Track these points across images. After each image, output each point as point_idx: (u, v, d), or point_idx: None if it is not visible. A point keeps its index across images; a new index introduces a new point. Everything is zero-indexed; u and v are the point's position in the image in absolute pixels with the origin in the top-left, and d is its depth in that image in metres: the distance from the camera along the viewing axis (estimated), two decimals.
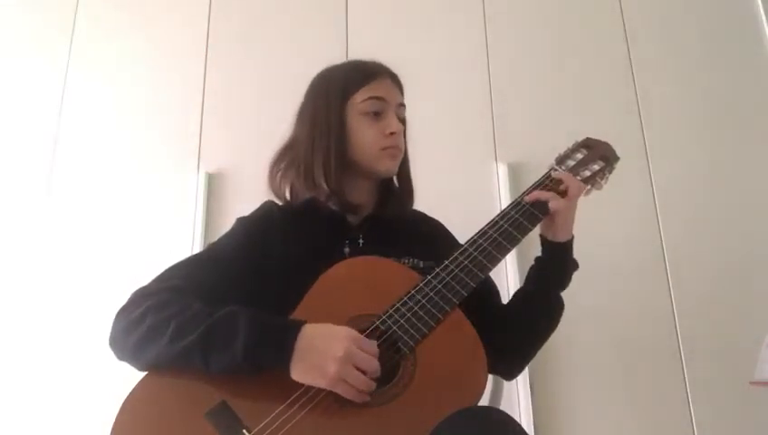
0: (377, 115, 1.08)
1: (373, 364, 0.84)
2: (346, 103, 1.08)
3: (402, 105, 1.14)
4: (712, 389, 1.69)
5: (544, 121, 1.94)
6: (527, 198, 1.04)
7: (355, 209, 1.11)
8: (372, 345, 0.86)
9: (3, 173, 1.89)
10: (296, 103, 1.17)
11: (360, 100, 1.08)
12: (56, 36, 2.03)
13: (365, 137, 1.07)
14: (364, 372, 0.83)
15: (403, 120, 1.14)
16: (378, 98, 1.08)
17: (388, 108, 1.09)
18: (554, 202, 1.02)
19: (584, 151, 1.12)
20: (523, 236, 1.01)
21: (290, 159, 1.13)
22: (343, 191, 1.08)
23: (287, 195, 1.14)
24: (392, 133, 1.08)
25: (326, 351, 0.82)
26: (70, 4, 2.07)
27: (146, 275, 0.99)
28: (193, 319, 0.87)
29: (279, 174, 1.14)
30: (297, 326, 0.85)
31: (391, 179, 1.16)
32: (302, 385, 0.84)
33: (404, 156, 1.15)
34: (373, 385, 0.84)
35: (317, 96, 1.12)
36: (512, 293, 1.15)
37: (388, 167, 1.10)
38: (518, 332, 1.08)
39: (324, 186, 1.06)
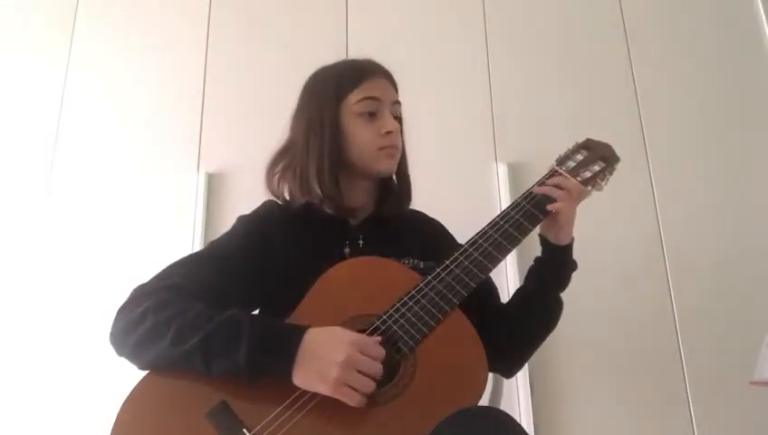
0: (372, 115, 1.07)
1: (375, 368, 0.84)
2: (340, 105, 1.07)
3: (397, 102, 1.12)
4: (712, 389, 1.69)
5: (544, 121, 1.94)
6: (537, 190, 1.04)
7: (351, 213, 1.11)
8: (376, 348, 0.85)
9: (3, 173, 1.89)
10: (295, 104, 1.16)
11: (354, 101, 1.07)
12: (56, 36, 2.03)
13: (361, 138, 1.07)
14: (366, 376, 0.83)
15: (399, 118, 1.13)
16: (372, 98, 1.07)
17: (383, 107, 1.08)
18: (555, 204, 1.02)
19: (584, 153, 1.12)
20: (523, 237, 1.01)
21: (286, 162, 1.12)
22: (338, 196, 1.07)
23: (286, 196, 1.14)
24: (388, 133, 1.07)
25: (327, 356, 0.82)
26: (70, 4, 2.07)
27: (146, 274, 0.99)
28: (194, 321, 0.86)
29: (276, 176, 1.13)
30: (299, 332, 0.85)
31: (390, 178, 1.16)
32: None
33: (402, 154, 1.14)
34: (373, 387, 0.84)
35: (310, 98, 1.11)
36: (512, 293, 1.15)
37: (387, 166, 1.09)
38: (517, 331, 1.08)
39: (318, 191, 1.06)
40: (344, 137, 1.07)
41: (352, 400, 0.82)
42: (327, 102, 1.08)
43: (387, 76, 1.13)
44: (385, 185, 1.17)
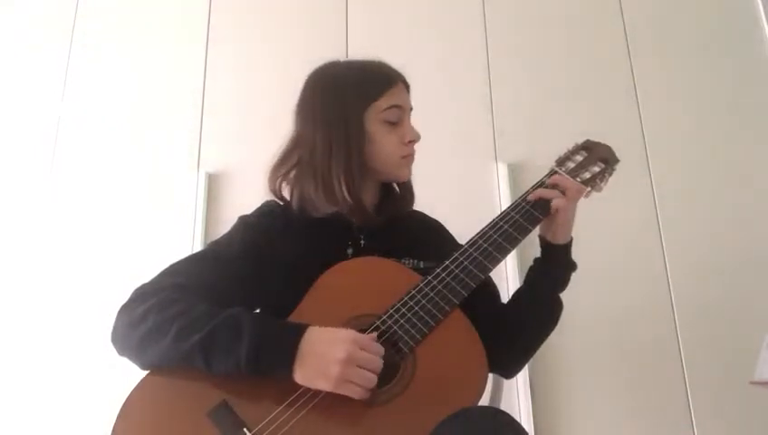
0: (393, 123, 1.07)
1: (376, 363, 0.84)
2: (366, 109, 1.05)
3: (412, 109, 1.12)
4: (712, 389, 1.69)
5: (544, 121, 1.94)
6: (530, 197, 1.04)
7: (370, 218, 1.08)
8: (376, 345, 0.86)
9: (4, 174, 1.89)
10: (301, 101, 1.13)
11: (383, 107, 1.05)
12: (56, 36, 2.03)
13: (386, 145, 1.06)
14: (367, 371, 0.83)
15: None
16: (398, 106, 1.07)
17: (405, 115, 1.09)
18: (556, 200, 1.02)
19: (584, 153, 1.12)
20: (523, 238, 1.01)
21: (296, 163, 1.09)
22: (363, 201, 1.06)
23: (286, 196, 1.13)
24: (411, 141, 1.08)
25: (327, 354, 0.83)
26: (70, 4, 2.07)
27: (146, 274, 0.99)
28: (196, 320, 0.87)
29: (279, 179, 1.11)
30: (299, 331, 0.85)
31: (407, 180, 1.16)
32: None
33: None
34: (375, 382, 0.84)
35: (328, 98, 1.08)
36: (512, 293, 1.15)
37: (406, 173, 1.11)
38: (517, 332, 1.08)
39: (348, 198, 1.03)
40: (370, 142, 1.05)
41: (356, 394, 0.82)
42: (352, 105, 1.05)
43: (405, 83, 1.12)
44: (387, 187, 1.17)
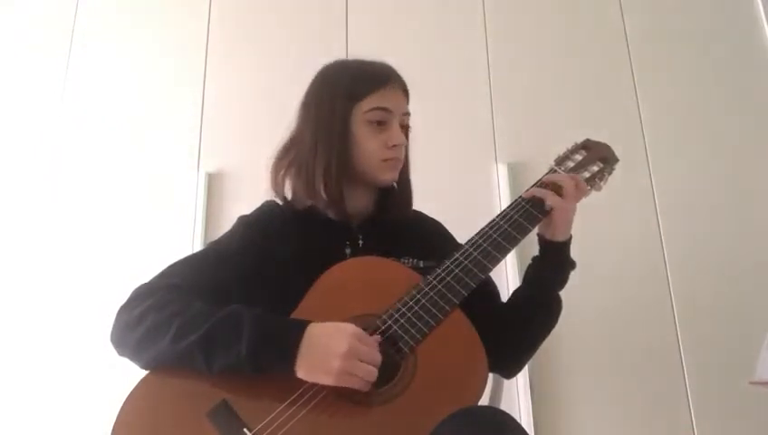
0: (380, 124, 1.06)
1: (375, 356, 0.85)
2: (352, 109, 1.06)
3: (407, 114, 1.11)
4: (712, 389, 1.69)
5: (544, 121, 1.94)
6: (524, 195, 1.05)
7: (351, 218, 1.09)
8: (372, 339, 0.87)
9: (4, 173, 1.89)
10: (296, 103, 1.14)
11: (366, 108, 1.05)
12: (56, 36, 2.03)
13: (367, 147, 1.06)
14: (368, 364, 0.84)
15: (407, 127, 1.12)
16: (384, 109, 1.06)
17: (393, 118, 1.07)
18: (552, 199, 1.02)
19: (583, 153, 1.12)
20: (522, 237, 1.01)
21: (292, 159, 1.10)
22: (342, 200, 1.06)
23: (287, 194, 1.14)
24: (394, 145, 1.07)
25: (329, 347, 0.83)
26: (70, 3, 2.07)
27: (146, 274, 0.99)
28: (195, 319, 0.87)
29: (281, 173, 1.12)
30: (301, 327, 0.86)
31: (391, 184, 1.16)
32: (303, 384, 0.84)
33: (405, 160, 1.13)
34: (376, 375, 0.84)
35: (322, 94, 1.09)
36: (511, 292, 1.15)
37: (389, 177, 1.09)
38: (517, 331, 1.08)
39: (323, 195, 1.05)
40: (352, 142, 1.06)
41: (357, 385, 0.83)
42: (339, 103, 1.06)
43: (402, 86, 1.11)
44: (386, 190, 1.16)
